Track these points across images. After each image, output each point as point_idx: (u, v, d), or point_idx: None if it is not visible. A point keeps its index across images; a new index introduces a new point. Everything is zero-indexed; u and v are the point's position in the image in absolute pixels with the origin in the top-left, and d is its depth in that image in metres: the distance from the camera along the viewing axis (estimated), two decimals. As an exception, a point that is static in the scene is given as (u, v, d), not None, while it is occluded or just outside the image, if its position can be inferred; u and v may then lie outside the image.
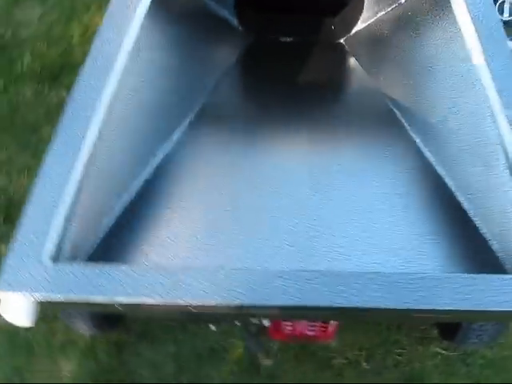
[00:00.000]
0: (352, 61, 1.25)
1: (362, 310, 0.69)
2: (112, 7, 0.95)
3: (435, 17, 1.07)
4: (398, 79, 1.15)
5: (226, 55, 1.23)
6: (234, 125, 1.15)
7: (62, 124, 0.84)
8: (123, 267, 0.70)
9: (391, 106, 1.13)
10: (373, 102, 1.17)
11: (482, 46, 0.91)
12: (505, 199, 0.88)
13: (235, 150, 1.08)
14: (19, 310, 0.71)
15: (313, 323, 1.47)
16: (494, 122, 0.88)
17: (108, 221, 0.90)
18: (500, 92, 0.87)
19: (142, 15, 0.97)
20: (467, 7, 0.95)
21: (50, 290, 0.69)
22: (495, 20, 0.93)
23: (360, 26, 1.23)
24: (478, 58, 0.91)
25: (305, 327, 1.48)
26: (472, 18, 0.93)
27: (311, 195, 0.99)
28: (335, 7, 1.28)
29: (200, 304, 0.69)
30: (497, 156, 0.89)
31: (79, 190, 0.80)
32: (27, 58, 2.53)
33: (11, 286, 0.70)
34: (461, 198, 0.98)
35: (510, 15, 1.07)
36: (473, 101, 0.96)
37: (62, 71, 2.50)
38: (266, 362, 1.50)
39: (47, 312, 0.78)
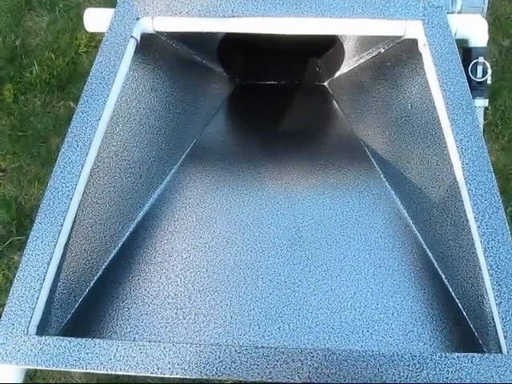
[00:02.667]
0: (334, 104, 1.29)
1: None
2: (96, 63, 1.00)
3: (411, 71, 1.11)
4: (375, 128, 1.20)
5: (213, 100, 1.28)
6: (219, 170, 1.20)
7: (47, 193, 0.89)
8: (98, 341, 0.78)
9: (369, 155, 1.17)
10: (352, 149, 1.22)
11: (448, 110, 0.95)
12: (473, 262, 0.91)
13: (218, 197, 1.14)
14: (6, 378, 0.80)
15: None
16: (457, 187, 0.93)
17: (89, 286, 0.97)
18: (460, 153, 0.92)
19: (126, 68, 1.02)
20: (436, 70, 0.99)
21: (33, 362, 0.77)
22: (463, 86, 0.97)
23: (343, 70, 1.27)
24: (445, 124, 0.95)
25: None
26: (440, 82, 0.97)
27: (290, 252, 1.04)
28: (319, 50, 1.32)
29: (168, 377, 0.76)
30: (465, 217, 0.93)
31: (63, 261, 0.87)
32: (36, 68, 2.60)
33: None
34: (432, 257, 1.02)
35: (482, 76, 1.10)
36: (441, 162, 1.00)
37: (69, 80, 2.57)
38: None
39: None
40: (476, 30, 1.08)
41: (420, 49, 1.03)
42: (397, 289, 0.99)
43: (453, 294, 0.97)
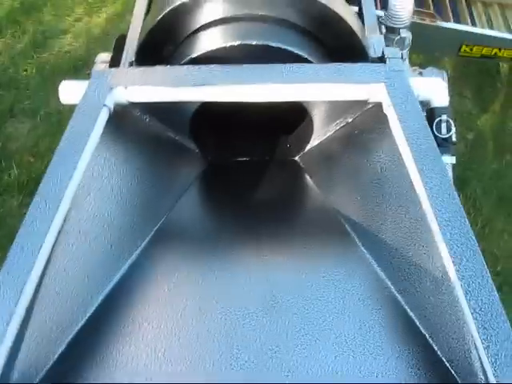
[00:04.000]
0: (306, 178, 1.31)
1: None
2: (68, 129, 1.02)
3: (378, 135, 1.14)
4: (348, 196, 1.21)
5: (185, 176, 1.29)
6: (192, 243, 1.18)
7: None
8: None
9: (343, 222, 1.17)
10: (326, 219, 1.22)
11: (416, 164, 0.97)
12: (454, 317, 0.89)
13: (190, 269, 1.11)
14: None
15: None
16: (434, 242, 0.92)
17: (53, 359, 0.91)
18: (434, 209, 0.92)
19: (99, 135, 1.02)
20: (402, 128, 1.02)
21: None
22: (429, 140, 1.00)
23: (313, 143, 1.31)
24: (415, 177, 0.96)
25: None
26: (407, 138, 1.00)
27: (266, 319, 1.00)
28: (289, 126, 1.36)
29: None
30: (443, 269, 0.92)
31: (23, 330, 0.82)
32: (14, 171, 2.63)
33: None
34: (414, 316, 0.99)
35: (447, 132, 1.14)
36: (414, 219, 1.00)
37: (47, 182, 2.59)
38: None
39: None
40: (437, 91, 1.14)
41: (385, 111, 1.07)
42: (379, 351, 0.94)
43: (438, 351, 0.93)
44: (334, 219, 1.18)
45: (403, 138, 1.01)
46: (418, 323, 0.98)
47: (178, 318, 1.00)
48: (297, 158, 1.33)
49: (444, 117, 1.12)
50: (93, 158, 1.01)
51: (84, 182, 0.99)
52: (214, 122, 1.29)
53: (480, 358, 0.79)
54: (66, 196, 0.93)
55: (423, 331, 0.97)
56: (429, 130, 1.01)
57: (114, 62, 1.22)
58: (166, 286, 1.07)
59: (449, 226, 0.89)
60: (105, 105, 1.05)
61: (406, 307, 1.01)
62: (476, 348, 0.80)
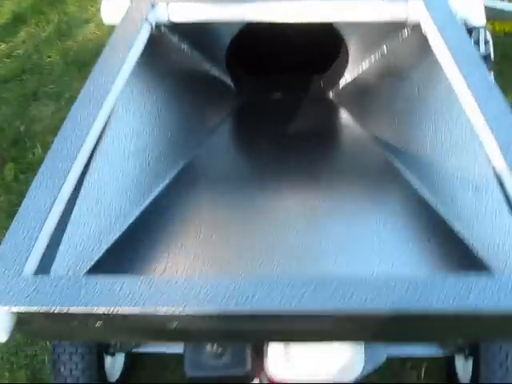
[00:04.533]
0: (342, 113, 1.29)
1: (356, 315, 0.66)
2: (104, 54, 1.01)
3: (416, 59, 1.13)
4: (386, 124, 1.19)
5: (218, 111, 1.28)
6: (227, 179, 1.17)
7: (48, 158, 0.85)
8: (101, 277, 0.69)
9: (382, 148, 1.15)
10: (363, 147, 1.20)
11: (462, 75, 0.95)
12: (496, 225, 0.87)
13: (230, 195, 1.10)
14: None
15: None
16: (481, 146, 0.90)
17: (105, 241, 0.90)
18: (485, 116, 0.89)
19: (140, 50, 1.01)
20: (444, 44, 1.00)
21: (26, 302, 0.68)
22: (472, 50, 0.98)
23: (347, 79, 1.29)
24: (460, 86, 0.94)
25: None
26: (450, 51, 0.98)
27: (306, 232, 0.99)
28: (322, 64, 1.35)
29: (179, 314, 0.66)
30: (487, 181, 0.90)
31: (68, 216, 0.80)
32: (39, 150, 2.64)
33: None
34: (455, 226, 0.97)
35: (485, 51, 1.13)
36: (459, 129, 0.98)
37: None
38: None
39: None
40: (474, 10, 1.12)
41: (424, 30, 1.05)
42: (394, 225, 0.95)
43: (478, 256, 0.90)
44: (372, 146, 1.16)
45: (445, 50, 0.99)
46: (459, 232, 0.96)
47: (219, 230, 0.99)
48: (331, 95, 1.32)
49: (481, 35, 1.10)
50: (133, 76, 1.00)
51: (125, 96, 0.99)
52: (250, 57, 1.28)
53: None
54: (106, 103, 0.92)
55: (464, 239, 0.95)
56: (470, 41, 0.99)
57: None
58: (205, 206, 1.06)
59: (496, 120, 0.87)
60: (146, 19, 1.04)
61: (445, 217, 0.99)
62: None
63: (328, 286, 0.67)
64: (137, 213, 1.00)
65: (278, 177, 1.16)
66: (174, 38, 1.15)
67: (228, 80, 1.29)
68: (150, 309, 0.66)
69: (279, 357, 1.32)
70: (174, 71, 1.16)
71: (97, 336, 0.80)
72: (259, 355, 1.37)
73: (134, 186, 1.01)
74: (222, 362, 1.28)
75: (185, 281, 0.68)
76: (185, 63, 1.21)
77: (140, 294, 0.67)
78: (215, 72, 1.27)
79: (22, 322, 0.69)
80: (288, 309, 0.66)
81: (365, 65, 1.24)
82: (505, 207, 0.88)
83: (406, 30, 1.12)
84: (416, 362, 1.85)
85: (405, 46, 1.14)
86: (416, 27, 1.08)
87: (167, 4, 1.07)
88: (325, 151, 1.23)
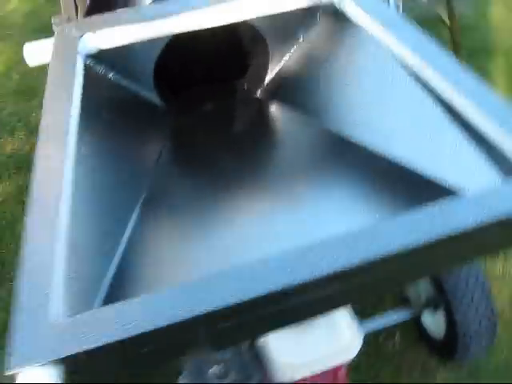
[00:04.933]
0: (274, 108, 1.34)
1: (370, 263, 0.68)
2: (48, 99, 0.94)
3: (336, 36, 1.21)
4: (318, 103, 1.25)
5: (158, 135, 1.27)
6: (184, 202, 1.17)
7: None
8: (130, 301, 0.66)
9: (321, 128, 1.21)
10: (301, 131, 1.25)
11: (389, 32, 1.04)
12: (454, 158, 0.96)
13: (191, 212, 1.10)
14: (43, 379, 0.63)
15: (324, 377, 1.40)
16: (423, 88, 0.99)
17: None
18: (423, 58, 0.98)
19: (78, 103, 0.97)
20: (363, 10, 1.08)
21: (66, 346, 0.63)
22: (389, 11, 1.08)
23: (271, 75, 1.34)
24: (389, 41, 1.03)
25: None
26: (370, 15, 1.06)
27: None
28: (240, 70, 1.39)
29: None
30: (435, 120, 0.99)
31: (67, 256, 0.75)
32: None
33: (28, 359, 0.63)
34: (412, 167, 1.05)
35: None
36: (399, 80, 1.06)
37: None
38: None
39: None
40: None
41: (339, 7, 1.13)
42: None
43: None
44: (308, 127, 1.22)
45: (365, 16, 1.07)
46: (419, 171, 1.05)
47: (191, 241, 0.99)
48: (258, 94, 1.35)
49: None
50: (81, 118, 0.95)
51: (78, 146, 0.93)
52: (177, 74, 1.28)
53: None
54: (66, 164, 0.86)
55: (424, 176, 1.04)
56: (385, 4, 1.09)
57: (70, 18, 1.19)
58: (173, 225, 1.05)
59: (434, 59, 0.96)
60: (78, 52, 1.01)
61: (404, 165, 1.07)
62: None
63: (317, 250, 0.69)
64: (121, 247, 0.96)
65: (230, 182, 1.18)
66: (101, 69, 1.13)
67: (158, 100, 1.29)
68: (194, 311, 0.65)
69: (284, 359, 1.31)
70: (108, 104, 1.14)
71: (141, 364, 0.75)
72: (261, 363, 1.35)
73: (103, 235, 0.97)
74: (228, 381, 1.25)
75: (203, 281, 0.68)
76: (115, 93, 1.19)
77: (173, 304, 0.66)
78: (146, 95, 1.26)
79: (71, 369, 0.64)
80: (290, 281, 0.67)
81: (286, 57, 1.30)
82: (459, 135, 0.96)
83: (319, 13, 1.19)
84: (388, 333, 1.92)
85: (322, 28, 1.21)
86: (328, 7, 1.15)
87: (94, 32, 1.04)
88: (265, 146, 1.27)
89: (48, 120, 0.89)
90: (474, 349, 1.66)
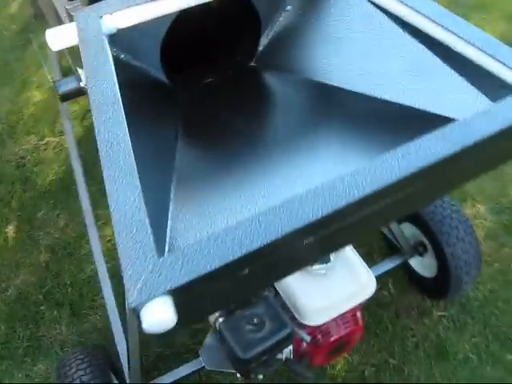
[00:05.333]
0: (268, 73, 1.42)
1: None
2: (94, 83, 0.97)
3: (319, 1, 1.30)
4: (314, 59, 1.34)
5: (171, 109, 1.32)
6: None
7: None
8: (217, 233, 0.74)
9: (322, 81, 1.30)
10: (302, 89, 1.34)
11: None
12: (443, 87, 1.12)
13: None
14: (162, 313, 0.68)
15: (344, 318, 1.49)
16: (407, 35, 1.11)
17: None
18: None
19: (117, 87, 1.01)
20: None
21: (180, 276, 0.69)
22: None
23: (263, 43, 1.42)
24: None
25: (340, 327, 1.49)
26: None
27: None
28: (235, 43, 1.46)
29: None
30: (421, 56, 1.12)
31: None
32: None
33: (148, 293, 0.68)
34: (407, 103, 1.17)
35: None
36: (388, 29, 1.17)
37: None
38: (309, 375, 1.50)
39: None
40: None
41: None
42: None
43: None
44: (314, 88, 1.31)
45: None
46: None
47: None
48: (253, 63, 1.43)
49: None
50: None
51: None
52: (177, 51, 1.32)
53: None
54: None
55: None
56: None
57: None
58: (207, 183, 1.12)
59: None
60: (103, 33, 1.04)
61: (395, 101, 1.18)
62: None
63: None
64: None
65: (242, 139, 1.25)
66: (116, 49, 1.17)
67: (165, 79, 1.34)
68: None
69: (313, 303, 1.40)
70: (125, 83, 1.18)
71: (244, 288, 0.82)
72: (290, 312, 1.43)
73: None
74: (266, 331, 1.31)
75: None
76: (128, 73, 1.23)
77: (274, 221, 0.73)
78: (154, 74, 1.31)
79: (182, 297, 0.70)
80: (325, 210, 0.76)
81: (276, 26, 1.38)
82: (447, 69, 1.08)
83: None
84: (382, 282, 2.04)
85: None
86: None
87: (111, 14, 1.08)
88: (267, 106, 1.35)
89: (98, 96, 0.93)
90: (466, 279, 1.81)
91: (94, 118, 0.90)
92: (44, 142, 2.63)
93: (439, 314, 1.98)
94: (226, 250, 0.71)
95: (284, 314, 1.37)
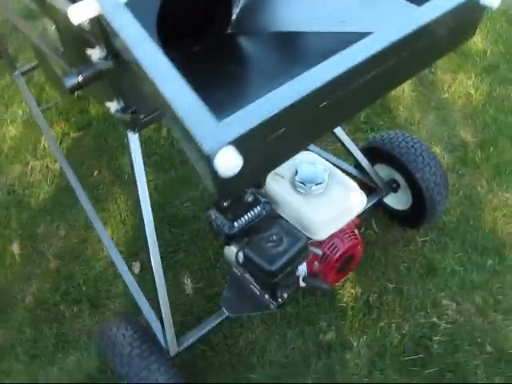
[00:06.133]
0: (242, 38, 1.67)
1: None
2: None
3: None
4: (279, 16, 1.59)
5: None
6: None
7: None
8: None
9: (287, 30, 1.56)
10: (273, 41, 1.61)
11: None
12: None
13: None
14: (231, 157, 0.89)
15: (346, 233, 1.71)
16: None
17: None
18: None
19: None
20: None
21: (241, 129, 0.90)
22: None
23: (235, 11, 1.66)
24: None
25: (344, 241, 1.71)
26: None
27: None
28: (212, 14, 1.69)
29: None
30: None
31: None
32: None
33: (218, 144, 0.89)
34: None
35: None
36: None
37: None
38: (327, 286, 1.70)
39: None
40: None
41: None
42: None
43: None
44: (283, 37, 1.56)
45: None
46: None
47: None
48: (230, 30, 1.66)
49: None
50: None
51: None
52: (170, 24, 1.52)
53: None
54: None
55: None
56: None
57: None
58: None
59: None
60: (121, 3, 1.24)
61: None
62: None
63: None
64: None
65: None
66: None
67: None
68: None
69: (319, 217, 1.61)
70: None
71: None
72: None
73: None
74: (286, 245, 1.51)
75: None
76: None
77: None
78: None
79: (242, 146, 0.90)
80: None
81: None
82: None
83: None
84: (366, 224, 2.28)
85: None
86: None
87: None
88: (246, 62, 1.60)
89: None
90: (438, 198, 2.06)
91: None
92: (29, 168, 2.77)
93: (421, 239, 2.23)
94: (265, 109, 0.93)
95: (297, 230, 1.58)
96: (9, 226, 2.53)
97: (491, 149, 2.54)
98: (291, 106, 0.95)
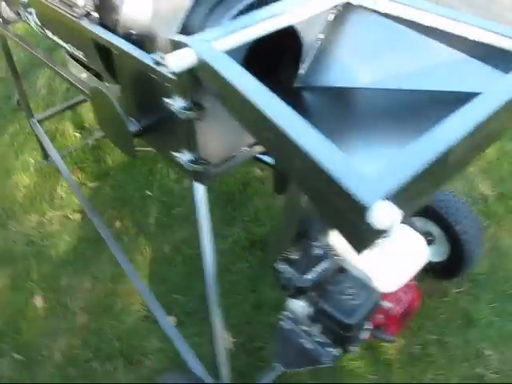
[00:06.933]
0: (308, 93, 1.71)
1: None
2: None
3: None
4: (345, 72, 1.64)
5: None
6: None
7: None
8: None
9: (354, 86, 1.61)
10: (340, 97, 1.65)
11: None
12: None
13: None
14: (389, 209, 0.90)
15: (407, 285, 1.72)
16: None
17: None
18: None
19: None
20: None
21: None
22: None
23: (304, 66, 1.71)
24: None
25: (407, 294, 1.72)
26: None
27: None
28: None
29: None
30: None
31: None
32: None
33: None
34: None
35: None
36: None
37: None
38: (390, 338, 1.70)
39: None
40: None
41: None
42: None
43: None
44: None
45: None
46: None
47: None
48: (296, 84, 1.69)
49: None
50: None
51: None
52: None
53: None
54: None
55: None
56: None
57: None
58: None
59: None
60: (224, 52, 1.25)
61: None
62: None
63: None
64: None
65: None
66: None
67: None
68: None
69: (383, 271, 1.61)
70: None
71: None
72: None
73: None
74: (362, 298, 1.51)
75: None
76: None
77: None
78: None
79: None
80: None
81: (313, 50, 1.66)
82: None
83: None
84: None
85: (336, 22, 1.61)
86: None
87: (216, 40, 1.30)
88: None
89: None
90: (477, 256, 2.12)
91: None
92: (47, 218, 2.69)
93: (456, 291, 2.27)
94: (409, 164, 0.96)
95: (366, 283, 1.58)
96: (29, 278, 2.43)
97: (511, 202, 2.64)
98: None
